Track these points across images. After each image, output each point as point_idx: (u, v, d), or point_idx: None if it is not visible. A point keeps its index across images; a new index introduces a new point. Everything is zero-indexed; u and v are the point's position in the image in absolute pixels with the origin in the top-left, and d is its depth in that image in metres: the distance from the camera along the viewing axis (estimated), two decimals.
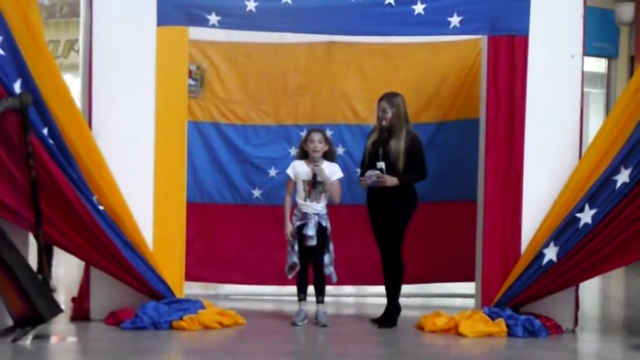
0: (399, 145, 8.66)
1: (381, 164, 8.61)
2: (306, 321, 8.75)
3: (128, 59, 8.53)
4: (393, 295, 8.85)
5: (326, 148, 8.79)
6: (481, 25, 8.78)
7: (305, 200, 8.74)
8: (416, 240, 9.33)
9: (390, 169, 8.62)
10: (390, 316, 8.80)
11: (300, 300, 8.83)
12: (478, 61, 9.45)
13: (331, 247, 8.81)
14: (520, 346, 8.14)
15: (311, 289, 8.86)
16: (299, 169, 8.81)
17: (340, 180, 8.86)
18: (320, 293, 8.82)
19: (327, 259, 8.77)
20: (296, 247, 8.72)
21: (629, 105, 8.34)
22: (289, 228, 8.77)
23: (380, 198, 8.70)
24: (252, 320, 8.77)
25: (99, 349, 7.73)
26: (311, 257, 8.76)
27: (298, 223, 8.74)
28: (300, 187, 8.76)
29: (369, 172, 8.62)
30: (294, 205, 8.82)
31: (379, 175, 8.59)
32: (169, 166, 8.63)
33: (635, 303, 11.50)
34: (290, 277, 8.82)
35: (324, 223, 8.75)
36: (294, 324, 8.70)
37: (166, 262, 8.54)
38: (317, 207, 8.74)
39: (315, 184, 8.71)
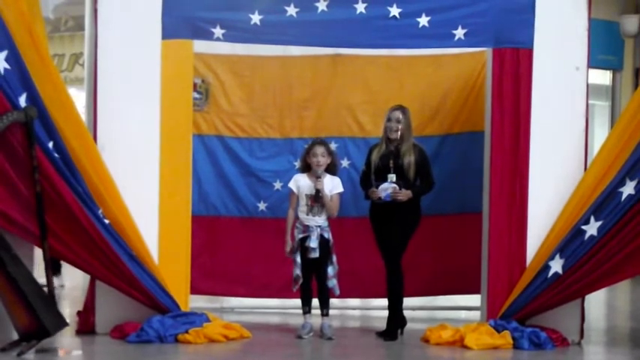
0: (410, 157, 8.69)
1: (392, 176, 8.63)
2: (311, 334, 8.74)
3: (133, 73, 8.53)
4: (396, 306, 8.85)
5: (329, 161, 8.79)
6: (486, 37, 8.79)
7: (307, 214, 8.74)
8: (421, 252, 9.35)
9: (401, 181, 8.64)
10: (394, 329, 8.79)
11: (305, 313, 8.82)
12: (483, 74, 9.47)
13: (334, 259, 8.80)
14: (526, 358, 8.13)
15: (316, 301, 8.86)
16: (301, 183, 8.81)
17: (340, 194, 8.85)
18: (324, 306, 8.80)
19: (330, 271, 8.76)
20: (298, 260, 8.72)
21: (634, 117, 8.34)
22: (289, 246, 8.78)
23: (385, 210, 8.70)
24: (258, 333, 8.77)
25: None
26: (314, 270, 8.75)
27: (300, 236, 8.74)
28: (303, 201, 8.76)
29: (384, 185, 8.65)
30: (296, 218, 8.82)
31: (396, 189, 8.61)
32: (174, 180, 8.64)
33: None
34: (294, 290, 8.82)
35: (326, 235, 8.74)
36: (299, 337, 8.69)
37: (172, 276, 8.54)
38: (319, 220, 8.74)
39: (317, 199, 8.71)
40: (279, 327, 9.49)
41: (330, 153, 8.85)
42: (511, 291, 8.60)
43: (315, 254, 8.66)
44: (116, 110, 8.49)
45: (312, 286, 8.84)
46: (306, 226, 8.73)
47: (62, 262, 10.12)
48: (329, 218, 8.80)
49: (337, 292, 8.84)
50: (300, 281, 8.73)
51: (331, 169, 8.84)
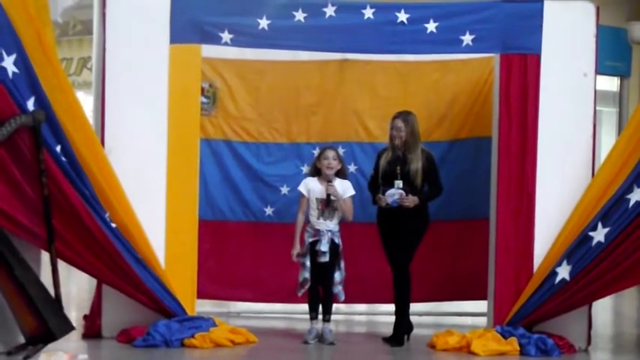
0: (417, 163, 8.67)
1: (399, 182, 8.62)
2: (317, 339, 8.72)
3: (141, 77, 8.54)
4: (403, 311, 8.83)
5: (339, 166, 8.79)
6: (493, 43, 8.79)
7: (318, 218, 8.73)
8: (428, 258, 9.32)
9: (408, 187, 8.63)
10: (400, 334, 8.78)
11: (312, 318, 8.81)
12: (490, 80, 9.46)
13: (342, 265, 8.79)
14: None
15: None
16: (311, 186, 8.81)
17: (352, 197, 8.85)
18: (327, 311, 8.79)
19: (337, 276, 8.75)
20: (307, 264, 8.70)
21: None
22: (297, 249, 8.77)
23: (393, 216, 8.69)
24: (264, 338, 8.76)
25: None
26: (323, 274, 8.74)
27: (311, 240, 8.72)
28: (314, 205, 8.75)
29: (391, 191, 8.64)
30: (307, 222, 8.81)
31: (403, 195, 8.60)
32: (181, 184, 8.64)
33: None
34: (300, 294, 8.80)
35: (336, 240, 8.74)
36: (305, 342, 8.68)
37: (178, 280, 8.54)
38: (330, 225, 8.73)
39: (328, 203, 8.70)
40: (286, 332, 9.48)
41: (339, 158, 8.85)
42: (518, 297, 8.58)
43: (325, 258, 8.64)
44: (124, 114, 8.49)
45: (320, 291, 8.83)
46: (317, 230, 8.72)
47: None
48: (342, 222, 8.79)
49: (342, 298, 8.83)
50: (307, 285, 8.71)
51: (341, 174, 8.83)
